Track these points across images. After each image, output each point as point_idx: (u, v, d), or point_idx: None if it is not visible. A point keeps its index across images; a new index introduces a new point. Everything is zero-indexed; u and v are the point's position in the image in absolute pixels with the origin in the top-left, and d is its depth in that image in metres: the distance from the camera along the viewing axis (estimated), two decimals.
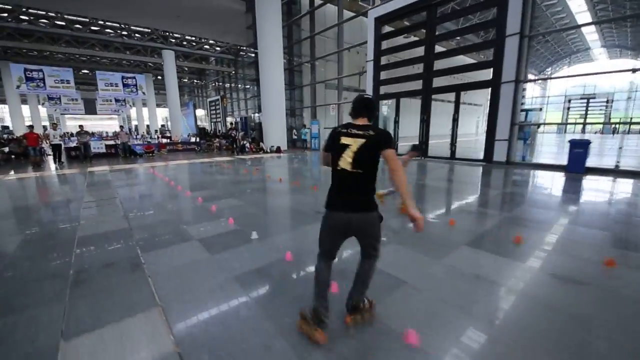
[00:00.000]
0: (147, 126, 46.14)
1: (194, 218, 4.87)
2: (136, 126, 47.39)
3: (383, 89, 13.60)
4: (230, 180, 8.07)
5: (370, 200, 1.92)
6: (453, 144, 11.42)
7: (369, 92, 13.77)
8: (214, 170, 10.18)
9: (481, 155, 10.72)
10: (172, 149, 17.83)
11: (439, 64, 11.65)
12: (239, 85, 36.87)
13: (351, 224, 1.91)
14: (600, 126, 35.19)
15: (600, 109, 33.88)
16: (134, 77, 29.70)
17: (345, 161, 1.86)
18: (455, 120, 11.34)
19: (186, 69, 41.80)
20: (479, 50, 12.73)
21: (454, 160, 11.44)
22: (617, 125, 34.19)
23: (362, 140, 1.84)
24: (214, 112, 35.03)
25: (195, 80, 48.49)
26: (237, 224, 4.36)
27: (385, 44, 13.45)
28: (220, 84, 42.61)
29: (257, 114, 25.26)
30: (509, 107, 9.96)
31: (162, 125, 55.08)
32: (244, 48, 32.09)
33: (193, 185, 7.45)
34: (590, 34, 32.91)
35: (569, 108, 35.81)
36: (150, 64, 36.93)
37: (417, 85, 12.13)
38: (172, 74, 30.14)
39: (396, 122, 13.17)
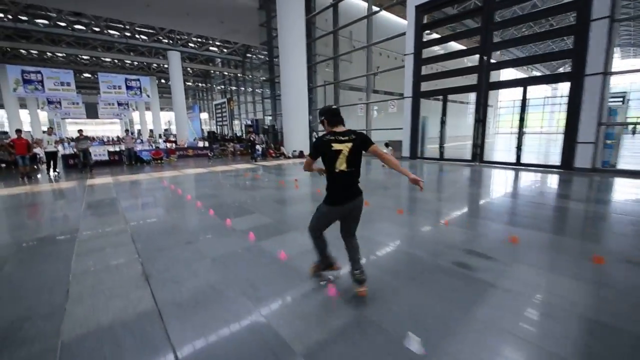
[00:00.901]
0: (151, 130, 44.25)
1: (263, 277, 2.84)
2: (139, 130, 45.38)
3: (424, 86, 11.74)
4: (273, 198, 6.15)
5: (359, 187, 2.41)
6: (519, 147, 9.53)
7: (408, 88, 11.94)
8: (241, 182, 8.27)
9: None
10: (182, 154, 15.92)
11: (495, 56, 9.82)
12: (248, 89, 35.09)
13: (351, 211, 2.41)
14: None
15: None
16: (138, 80, 27.76)
17: (342, 164, 2.26)
18: (522, 120, 9.45)
19: (190, 71, 40.01)
20: (553, 38, 10.45)
21: (519, 166, 9.56)
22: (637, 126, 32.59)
23: (350, 144, 2.26)
24: (219, 115, 33.03)
25: (199, 84, 46.67)
26: (339, 289, 2.49)
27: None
28: (227, 87, 40.84)
29: (269, 117, 23.46)
30: (594, 104, 8.11)
31: (166, 129, 53.25)
32: (253, 49, 30.34)
33: (228, 207, 5.50)
34: None
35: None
36: (153, 66, 35.17)
37: (465, 80, 10.32)
38: (178, 76, 28.29)
39: (443, 122, 11.28)
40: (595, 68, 8.04)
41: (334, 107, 2.38)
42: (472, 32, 10.78)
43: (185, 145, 21.15)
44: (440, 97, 11.37)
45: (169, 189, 7.34)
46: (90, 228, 4.42)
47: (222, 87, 41.29)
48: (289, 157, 14.15)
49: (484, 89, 9.98)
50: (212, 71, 39.06)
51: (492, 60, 9.80)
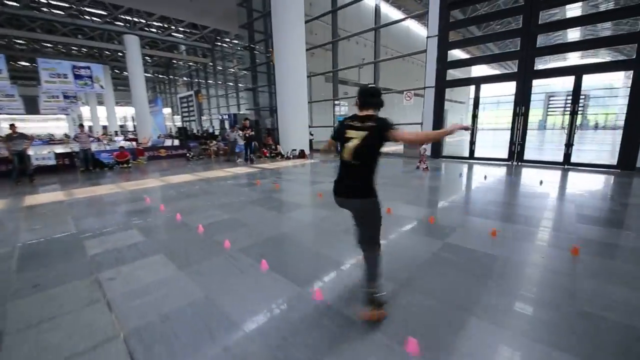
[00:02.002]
0: (104, 127, 38.84)
1: None
2: (90, 127, 39.63)
3: (450, 74, 10.11)
4: (328, 230, 4.03)
5: (366, 188, 1.96)
6: (569, 144, 8.23)
7: (430, 76, 10.25)
8: (271, 200, 5.97)
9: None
10: (153, 155, 12.92)
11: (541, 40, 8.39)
12: (218, 81, 31.58)
13: (349, 209, 2.05)
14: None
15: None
16: (88, 67, 23.20)
17: (349, 153, 1.92)
18: (574, 113, 8.12)
19: (149, 60, 35.40)
20: (621, 18, 8.85)
21: (568, 166, 8.29)
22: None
23: (364, 133, 1.88)
24: (185, 110, 29.24)
25: (159, 75, 41.83)
26: None
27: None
28: (193, 78, 36.72)
29: (248, 111, 20.73)
30: None
31: (122, 126, 47.26)
32: (224, 35, 27.06)
33: (311, 259, 3.37)
34: None
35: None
36: (107, 51, 30.26)
37: (499, 69, 8.84)
38: (138, 64, 24.20)
39: (475, 116, 9.71)
40: None
41: (370, 85, 2.14)
42: (512, 10, 9.27)
43: (149, 144, 17.78)
44: (473, 86, 9.76)
45: (161, 212, 4.85)
46: (25, 342, 2.02)
47: (189, 78, 37.16)
48: (288, 158, 11.86)
49: (528, 77, 8.57)
50: (175, 60, 34.84)
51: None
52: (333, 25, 14.08)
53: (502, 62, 26.66)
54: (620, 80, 30.31)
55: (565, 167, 8.30)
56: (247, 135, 10.67)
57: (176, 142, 19.84)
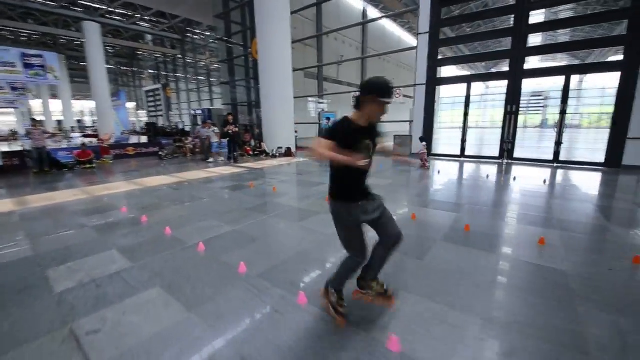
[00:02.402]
0: (59, 122, 35.30)
1: None
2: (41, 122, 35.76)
3: (441, 72, 9.90)
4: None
5: (333, 189, 1.84)
6: (559, 142, 8.30)
7: (421, 74, 9.98)
8: (259, 201, 5.24)
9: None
10: (121, 154, 11.55)
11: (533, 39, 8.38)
12: (188, 75, 29.67)
13: None
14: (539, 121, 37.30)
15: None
16: (41, 56, 20.61)
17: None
18: (562, 113, 8.19)
19: (111, 50, 32.57)
20: (606, 21, 8.79)
21: (558, 164, 8.37)
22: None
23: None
24: (152, 104, 27.15)
25: (121, 66, 38.72)
26: None
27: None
28: (160, 71, 34.30)
29: (223, 106, 19.49)
30: None
31: (79, 121, 43.12)
32: (196, 26, 25.35)
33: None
34: None
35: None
36: (62, 39, 27.27)
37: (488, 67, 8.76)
38: (98, 55, 21.88)
39: (466, 114, 9.56)
40: None
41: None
42: (504, 10, 9.19)
43: (112, 140, 16.05)
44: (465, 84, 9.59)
45: (144, 225, 4.00)
46: None
47: (155, 71, 34.68)
48: (274, 156, 11.10)
49: (518, 76, 8.53)
50: (141, 51, 32.30)
51: (530, 44, 8.36)
52: (318, 18, 13.43)
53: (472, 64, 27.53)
54: (574, 83, 32.76)
55: (555, 165, 8.38)
56: (230, 132, 9.76)
57: (144, 139, 18.14)
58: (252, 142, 12.43)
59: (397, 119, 10.90)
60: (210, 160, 10.36)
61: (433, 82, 9.79)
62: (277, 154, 11.15)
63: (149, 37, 28.88)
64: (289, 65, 11.12)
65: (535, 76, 8.95)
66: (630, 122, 7.41)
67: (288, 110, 11.43)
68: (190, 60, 28.47)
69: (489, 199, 5.16)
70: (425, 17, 9.59)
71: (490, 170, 7.75)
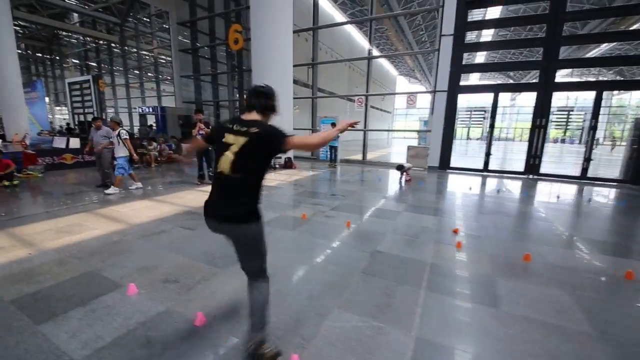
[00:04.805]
0: None
1: None
2: None
3: (464, 79, 8.88)
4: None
5: (248, 210, 1.46)
6: (588, 160, 7.87)
7: (442, 79, 8.86)
8: (351, 248, 3.19)
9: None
10: (54, 163, 8.01)
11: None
12: (127, 67, 24.58)
13: (226, 234, 1.53)
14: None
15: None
16: None
17: (226, 164, 1.42)
18: (593, 129, 7.77)
19: (23, 30, 25.68)
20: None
21: (584, 180, 7.94)
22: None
23: (244, 140, 1.41)
24: (78, 99, 21.53)
25: (37, 52, 31.11)
26: None
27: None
28: (87, 60, 28.02)
29: (185, 104, 16.12)
30: None
31: None
32: (143, 6, 20.99)
33: None
34: None
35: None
36: None
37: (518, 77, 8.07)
38: (6, 34, 16.12)
39: (492, 126, 8.69)
40: None
41: (259, 86, 1.55)
42: (535, 18, 8.51)
43: (28, 143, 11.54)
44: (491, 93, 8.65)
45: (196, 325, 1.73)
46: None
47: (84, 59, 28.31)
48: (274, 168, 8.82)
49: (549, 88, 7.91)
50: (64, 33, 26.05)
51: (562, 56, 7.79)
52: (315, 11, 11.53)
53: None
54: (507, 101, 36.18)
55: (581, 181, 7.94)
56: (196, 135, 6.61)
57: (75, 143, 13.33)
58: None
59: (377, 128, 9.62)
60: (110, 191, 5.61)
61: (455, 90, 8.73)
62: (277, 165, 8.91)
63: (76, 16, 23.33)
64: (289, 57, 8.99)
65: (565, 90, 8.51)
66: None
67: (287, 112, 9.26)
68: (134, 50, 23.54)
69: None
70: (450, 18, 8.50)
71: (532, 187, 6.85)
